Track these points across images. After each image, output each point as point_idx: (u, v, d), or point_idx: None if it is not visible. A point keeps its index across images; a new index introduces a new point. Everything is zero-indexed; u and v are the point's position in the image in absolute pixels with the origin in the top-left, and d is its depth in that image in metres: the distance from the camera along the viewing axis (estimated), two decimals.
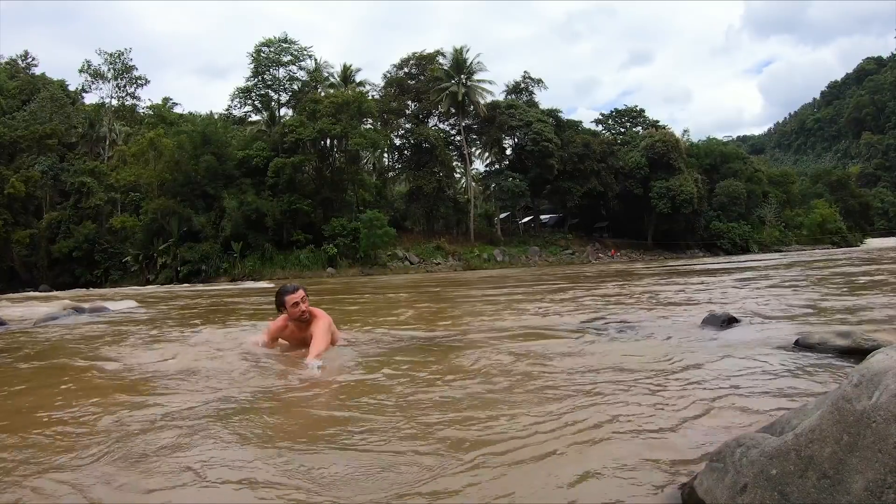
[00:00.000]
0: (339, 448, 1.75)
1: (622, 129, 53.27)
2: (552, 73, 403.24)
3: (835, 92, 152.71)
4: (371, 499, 1.38)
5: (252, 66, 37.34)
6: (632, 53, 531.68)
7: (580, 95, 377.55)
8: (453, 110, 43.11)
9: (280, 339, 3.75)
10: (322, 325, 3.55)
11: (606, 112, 55.17)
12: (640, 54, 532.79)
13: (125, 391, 2.69)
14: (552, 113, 45.06)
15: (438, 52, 43.82)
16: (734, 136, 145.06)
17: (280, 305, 3.55)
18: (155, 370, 3.21)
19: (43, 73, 46.04)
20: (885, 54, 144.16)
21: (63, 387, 2.83)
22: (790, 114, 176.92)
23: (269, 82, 38.20)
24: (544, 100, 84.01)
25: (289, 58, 37.58)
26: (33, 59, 47.53)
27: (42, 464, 1.71)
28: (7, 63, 45.59)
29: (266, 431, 1.96)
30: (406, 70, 44.83)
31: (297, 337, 3.64)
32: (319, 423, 2.04)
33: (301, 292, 3.54)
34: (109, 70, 39.74)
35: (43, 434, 2.01)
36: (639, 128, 52.93)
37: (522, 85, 47.69)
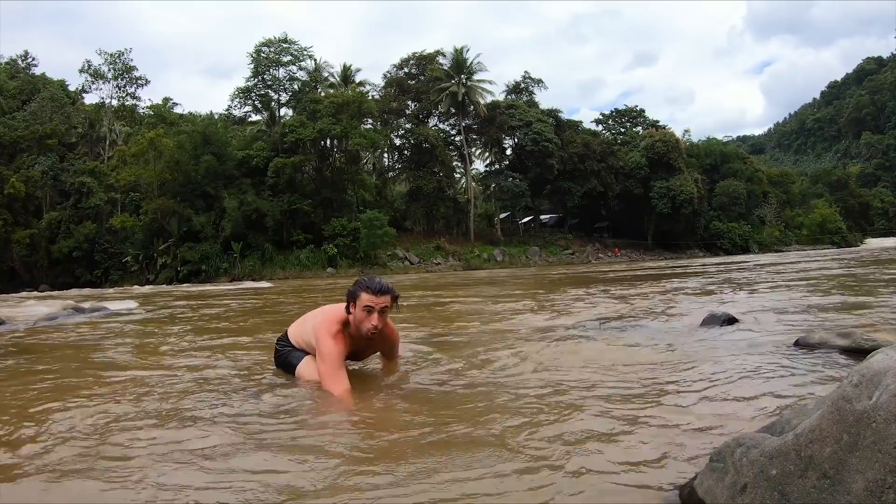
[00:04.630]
0: None
1: (622, 129, 53.34)
2: (555, 74, 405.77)
3: (835, 92, 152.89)
4: None
5: (252, 66, 37.36)
6: (636, 54, 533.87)
7: (584, 96, 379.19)
8: (453, 110, 43.13)
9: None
10: (398, 346, 2.91)
11: (608, 113, 55.29)
12: (644, 55, 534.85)
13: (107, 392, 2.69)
14: (552, 113, 45.11)
15: (438, 53, 43.87)
16: (734, 136, 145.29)
17: (351, 299, 2.53)
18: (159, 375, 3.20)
19: (43, 73, 46.07)
20: (886, 55, 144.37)
21: (55, 385, 2.83)
22: (790, 114, 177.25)
23: (269, 82, 38.18)
24: (546, 100, 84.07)
25: (289, 58, 37.58)
26: (33, 59, 47.52)
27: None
28: (7, 63, 45.57)
29: None
30: (406, 70, 44.83)
31: (353, 345, 2.68)
32: None
33: (386, 299, 2.50)
34: (110, 70, 39.78)
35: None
36: (639, 128, 53.00)
37: (523, 85, 47.75)
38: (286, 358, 2.82)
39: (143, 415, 2.19)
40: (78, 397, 2.52)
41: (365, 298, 2.46)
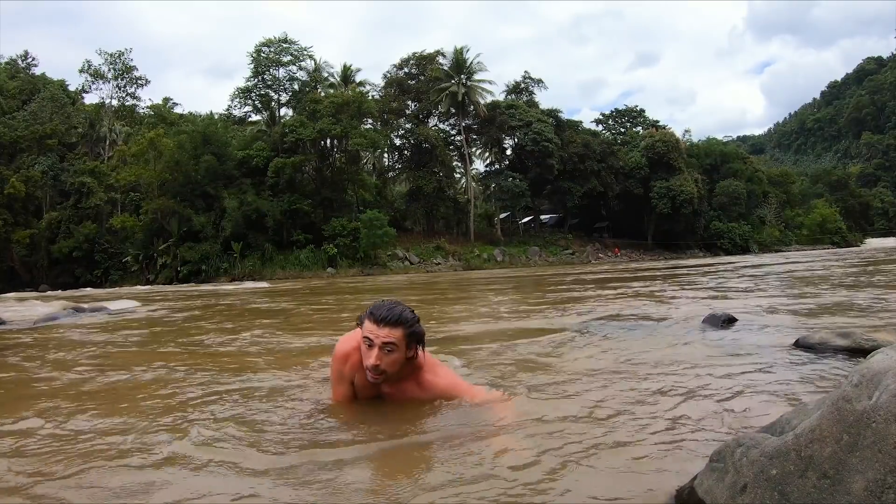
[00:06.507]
0: None
1: (622, 129, 53.37)
2: (556, 74, 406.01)
3: (835, 92, 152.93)
4: None
5: (252, 66, 37.37)
6: (637, 55, 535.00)
7: (584, 96, 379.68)
8: (453, 110, 43.15)
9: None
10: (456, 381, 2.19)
11: (608, 113, 55.30)
12: (645, 55, 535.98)
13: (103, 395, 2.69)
14: (552, 113, 45.11)
15: (439, 53, 43.92)
16: (734, 136, 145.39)
17: (359, 326, 2.01)
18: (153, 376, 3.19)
19: (43, 73, 45.99)
20: (886, 55, 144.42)
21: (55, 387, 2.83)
22: (790, 114, 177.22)
23: (269, 82, 38.22)
24: (547, 101, 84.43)
25: (289, 58, 37.62)
26: (33, 59, 47.41)
27: None
28: (7, 63, 45.52)
29: None
30: (406, 70, 44.86)
31: (371, 386, 2.07)
32: None
33: (389, 332, 1.91)
34: (110, 70, 39.81)
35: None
36: (639, 128, 53.03)
37: (523, 85, 47.78)
38: None
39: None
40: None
41: (365, 327, 1.95)
